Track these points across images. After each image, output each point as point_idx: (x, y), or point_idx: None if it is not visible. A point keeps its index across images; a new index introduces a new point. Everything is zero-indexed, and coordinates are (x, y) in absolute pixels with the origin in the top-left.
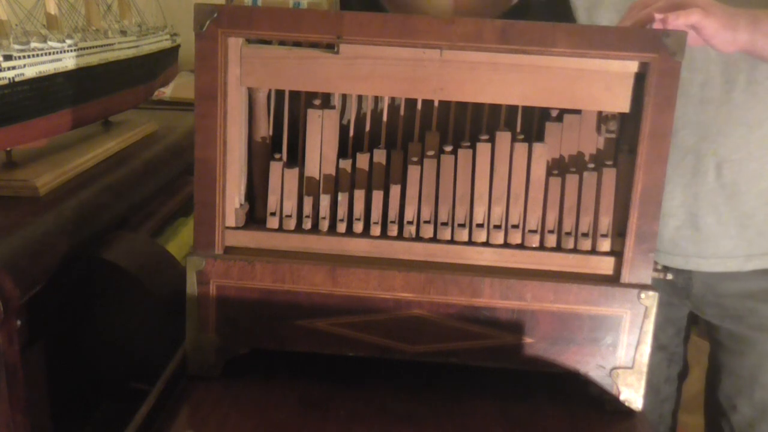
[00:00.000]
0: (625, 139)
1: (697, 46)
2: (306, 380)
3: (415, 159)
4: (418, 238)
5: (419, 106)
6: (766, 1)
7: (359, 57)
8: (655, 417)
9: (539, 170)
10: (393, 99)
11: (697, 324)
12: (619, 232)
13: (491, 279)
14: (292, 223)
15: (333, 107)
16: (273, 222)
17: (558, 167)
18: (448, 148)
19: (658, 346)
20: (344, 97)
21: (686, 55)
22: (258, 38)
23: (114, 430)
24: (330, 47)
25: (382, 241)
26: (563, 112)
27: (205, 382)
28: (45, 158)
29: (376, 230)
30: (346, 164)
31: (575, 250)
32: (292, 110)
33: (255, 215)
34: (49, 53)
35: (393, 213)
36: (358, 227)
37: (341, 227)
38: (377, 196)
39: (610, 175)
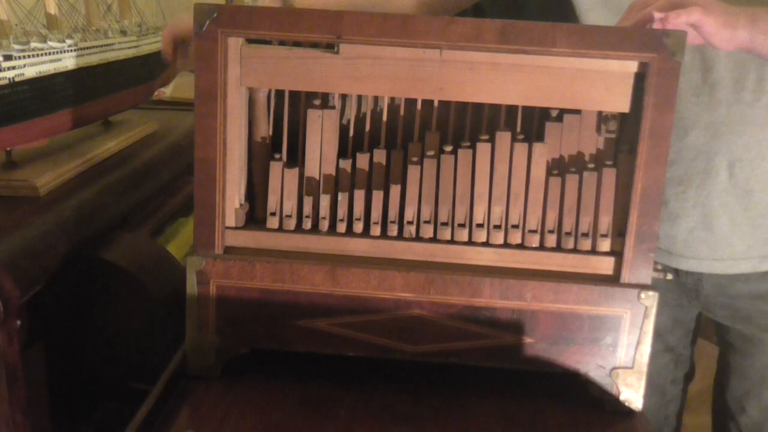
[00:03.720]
0: (625, 139)
1: (697, 44)
2: (306, 380)
3: (415, 159)
4: (418, 238)
5: (419, 106)
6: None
7: (359, 57)
8: (660, 418)
9: (539, 170)
10: (393, 99)
11: (700, 325)
12: (619, 232)
13: (491, 279)
14: (292, 223)
15: (333, 107)
16: (273, 222)
17: (558, 167)
18: (448, 148)
19: (665, 348)
20: (344, 97)
21: (695, 55)
22: (258, 38)
23: (114, 430)
24: (330, 47)
25: (382, 241)
26: (563, 112)
27: (205, 382)
28: (45, 158)
29: (376, 230)
30: (346, 164)
31: (575, 250)
32: (292, 110)
33: (255, 215)
34: (49, 53)
35: (393, 213)
36: (358, 227)
37: (341, 227)
38: (377, 196)
39: (610, 175)
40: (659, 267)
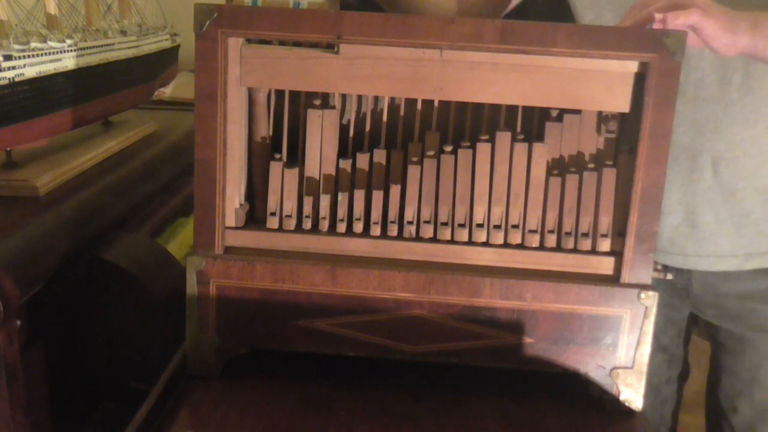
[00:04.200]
0: (625, 139)
1: (697, 48)
2: (306, 380)
3: (415, 159)
4: (418, 238)
5: (419, 106)
6: (765, 2)
7: (359, 57)
8: (656, 417)
9: (539, 170)
10: (393, 99)
11: (697, 324)
12: (619, 232)
13: (491, 279)
14: (292, 223)
15: (333, 107)
16: (273, 222)
17: (558, 167)
18: (448, 148)
19: (658, 348)
20: (344, 97)
21: None
22: (258, 38)
23: (114, 430)
24: (330, 47)
25: (382, 241)
26: (563, 112)
27: (205, 382)
28: (45, 158)
29: (376, 230)
30: (346, 164)
31: (575, 250)
32: (292, 110)
33: (255, 215)
34: (49, 53)
35: (393, 213)
36: (358, 227)
37: (341, 227)
38: (377, 196)
39: (610, 175)
40: (659, 267)
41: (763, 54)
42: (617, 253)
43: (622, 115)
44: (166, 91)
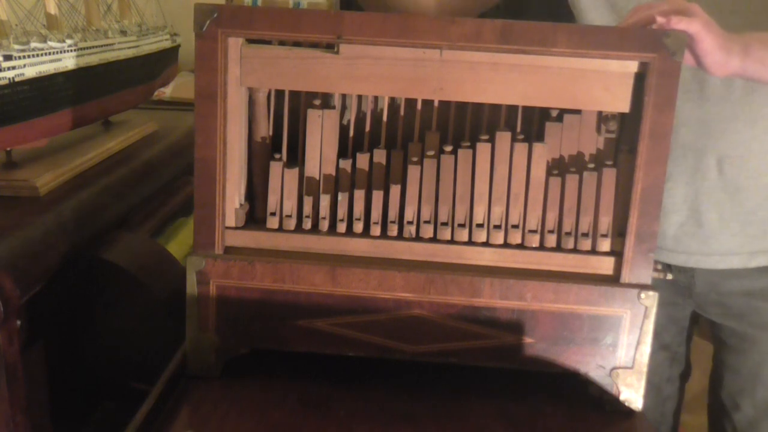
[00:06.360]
0: (625, 139)
1: (689, 66)
2: (306, 380)
3: (415, 159)
4: (418, 238)
5: (419, 106)
6: (762, 12)
7: (359, 57)
8: (657, 416)
9: (539, 170)
10: (393, 99)
11: (698, 324)
12: (619, 232)
13: (491, 279)
14: (292, 223)
15: (333, 107)
16: (273, 222)
17: (558, 167)
18: (448, 148)
19: (660, 346)
20: (344, 97)
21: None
22: (258, 38)
23: (114, 430)
24: (330, 47)
25: (382, 241)
26: (563, 112)
27: (205, 382)
28: (45, 158)
29: (376, 230)
30: (346, 164)
31: (575, 250)
32: (292, 110)
33: (255, 215)
34: (49, 53)
35: (393, 213)
36: (358, 227)
37: (341, 227)
38: (377, 196)
39: (610, 175)
40: (659, 267)
41: (752, 75)
42: (617, 253)
43: (622, 115)
44: (166, 91)
